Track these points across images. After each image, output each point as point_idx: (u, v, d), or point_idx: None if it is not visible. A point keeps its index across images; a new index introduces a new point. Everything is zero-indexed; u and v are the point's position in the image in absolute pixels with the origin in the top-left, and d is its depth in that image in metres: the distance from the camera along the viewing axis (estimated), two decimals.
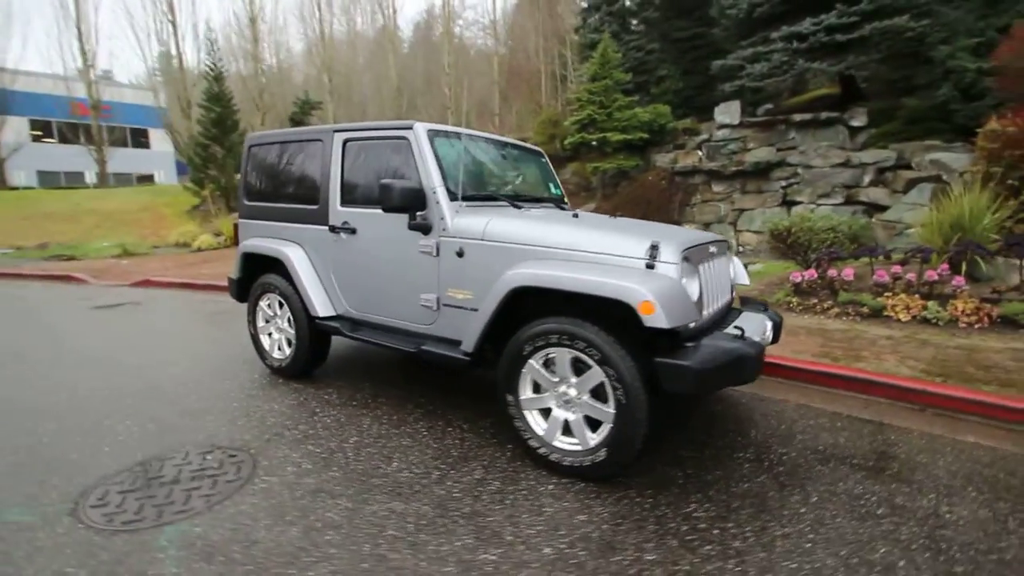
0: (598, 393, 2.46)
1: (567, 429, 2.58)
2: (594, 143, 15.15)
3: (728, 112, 14.88)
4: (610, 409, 2.39)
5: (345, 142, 3.50)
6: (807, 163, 12.36)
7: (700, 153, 14.73)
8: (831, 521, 2.22)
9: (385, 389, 3.76)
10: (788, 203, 12.34)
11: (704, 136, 15.66)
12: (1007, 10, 11.38)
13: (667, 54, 20.37)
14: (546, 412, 2.65)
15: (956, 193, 6.09)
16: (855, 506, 2.33)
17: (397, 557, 1.99)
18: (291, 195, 3.88)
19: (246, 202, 4.19)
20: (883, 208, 10.55)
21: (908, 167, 10.82)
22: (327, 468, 2.65)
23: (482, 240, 2.87)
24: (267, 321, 4.10)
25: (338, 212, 3.51)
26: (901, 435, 3.03)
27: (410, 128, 3.18)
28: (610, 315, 2.41)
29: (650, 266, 2.44)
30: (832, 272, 5.57)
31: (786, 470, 2.65)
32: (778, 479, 2.56)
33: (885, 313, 4.94)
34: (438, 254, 3.03)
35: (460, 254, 2.95)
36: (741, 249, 12.24)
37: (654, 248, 2.47)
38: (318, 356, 3.90)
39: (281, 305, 3.92)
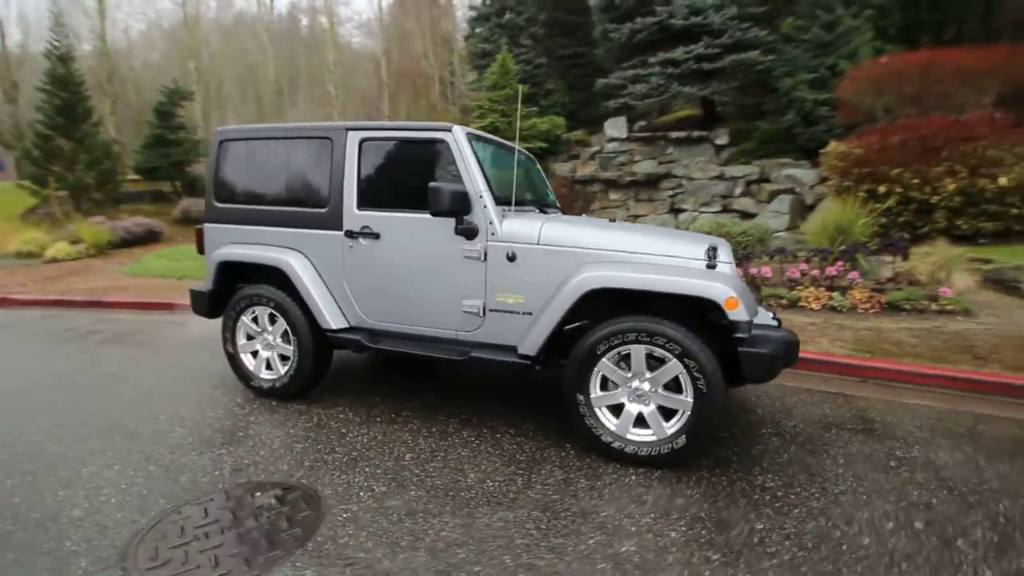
0: (671, 385, 2.66)
1: (639, 421, 2.73)
2: None
3: (616, 127, 16.15)
4: (688, 398, 2.60)
5: (362, 141, 3.29)
6: (689, 175, 13.93)
7: (595, 163, 15.79)
8: (866, 476, 2.66)
9: (400, 400, 3.58)
10: (676, 210, 13.80)
11: (596, 148, 16.87)
12: (833, 52, 13.90)
13: (554, 69, 21.47)
14: (616, 408, 2.78)
15: (831, 204, 7.40)
16: (874, 462, 2.81)
17: (544, 563, 1.98)
18: (285, 197, 3.52)
19: (217, 204, 3.70)
20: (752, 215, 12.24)
21: (768, 180, 12.72)
22: (404, 488, 2.49)
23: (537, 244, 2.92)
24: (250, 338, 3.66)
25: (355, 216, 3.28)
26: (864, 403, 3.67)
27: (448, 131, 3.10)
28: (675, 312, 2.63)
29: (711, 267, 2.70)
30: (753, 270, 6.43)
31: (805, 439, 3.08)
32: (805, 447, 2.97)
33: (800, 304, 5.85)
34: (485, 259, 3.00)
35: (512, 258, 2.95)
36: None
37: (713, 250, 2.74)
38: (321, 373, 3.58)
39: (273, 319, 3.53)
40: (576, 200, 15.10)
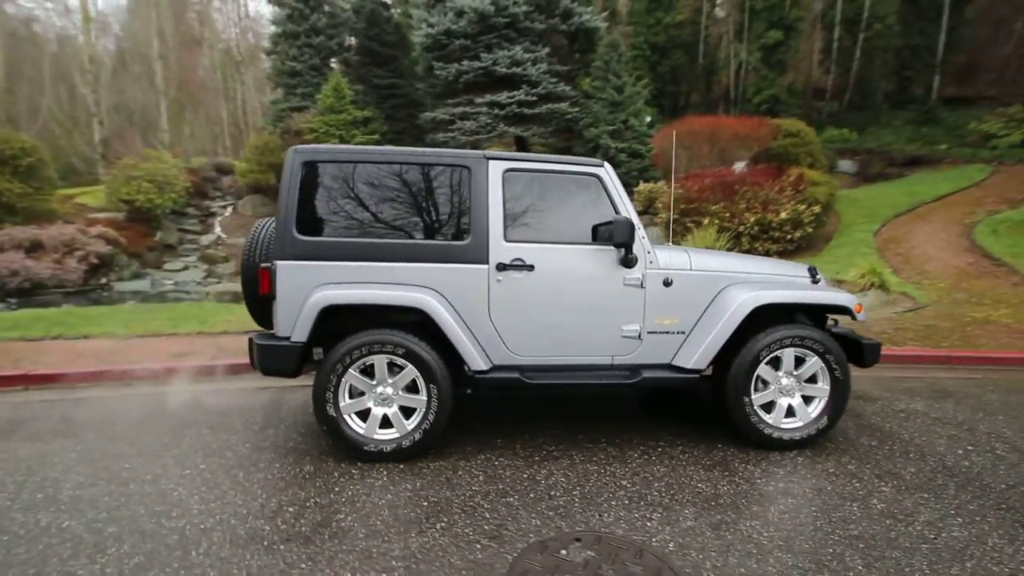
0: (811, 378, 3.32)
1: (789, 412, 3.31)
2: None
3: None
4: (825, 386, 3.29)
5: (506, 171, 3.17)
6: None
7: None
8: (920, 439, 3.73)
9: (514, 436, 3.42)
10: None
11: None
12: (623, 110, 17.08)
13: (370, 97, 21.11)
14: (767, 405, 3.30)
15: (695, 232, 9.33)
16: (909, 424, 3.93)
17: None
18: (407, 229, 3.11)
19: (300, 237, 3.02)
20: None
21: None
22: (679, 509, 2.57)
23: (691, 271, 3.30)
24: (356, 395, 3.07)
25: (504, 248, 3.12)
26: None
27: (601, 166, 3.26)
28: (791, 317, 3.34)
29: (815, 281, 3.49)
30: None
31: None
32: (857, 424, 3.95)
33: None
34: (643, 286, 3.24)
35: (668, 284, 3.26)
36: None
37: (813, 269, 3.54)
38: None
39: (395, 369, 3.05)
40: None
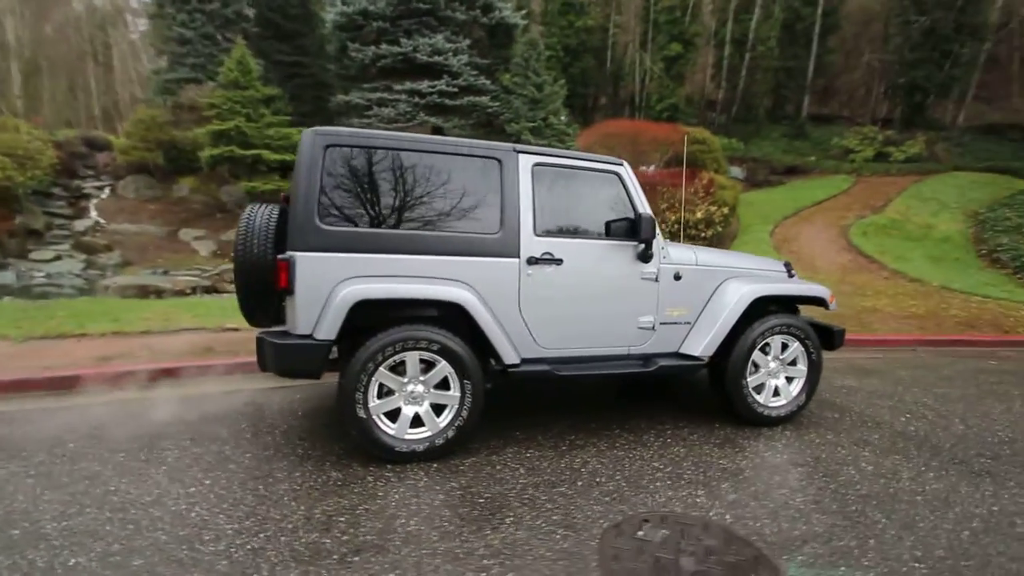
0: (791, 361, 3.73)
1: (775, 392, 3.70)
2: (249, 160, 13.35)
3: None
4: (804, 368, 3.72)
5: (535, 166, 3.17)
6: None
7: None
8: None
9: (530, 428, 3.47)
10: None
11: None
12: (543, 108, 17.51)
13: (272, 74, 19.53)
14: (758, 387, 3.66)
15: None
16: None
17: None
18: (437, 220, 2.99)
19: (323, 227, 2.78)
20: None
21: None
22: (718, 487, 2.78)
23: (697, 266, 3.55)
24: (385, 395, 2.91)
25: (535, 242, 3.13)
26: None
27: (621, 165, 3.38)
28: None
29: (791, 275, 3.93)
30: None
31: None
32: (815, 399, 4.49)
33: None
34: (657, 280, 3.43)
35: (678, 278, 3.49)
36: None
37: (788, 265, 3.97)
38: None
39: (427, 366, 2.94)
40: None
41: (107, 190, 14.47)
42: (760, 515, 2.51)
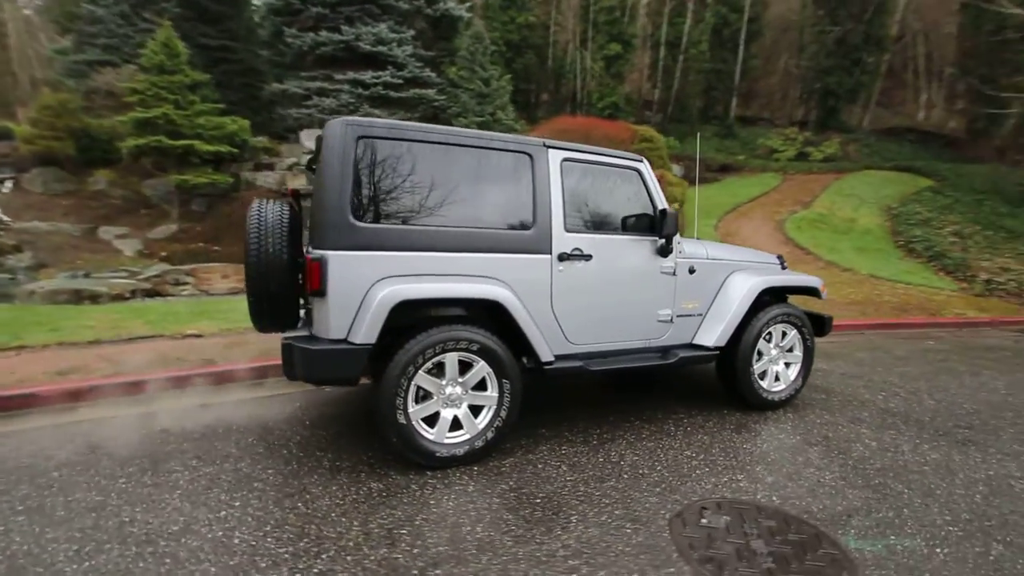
0: (789, 347, 3.96)
1: (776, 377, 3.92)
2: (179, 151, 12.30)
3: (314, 139, 15.42)
4: (800, 353, 3.96)
5: (563, 161, 3.14)
6: None
7: (305, 176, 14.64)
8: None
9: (553, 425, 3.47)
10: None
11: (292, 159, 15.52)
12: (491, 102, 17.44)
13: (197, 59, 18.13)
14: (762, 374, 3.86)
15: None
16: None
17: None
18: (472, 216, 2.90)
19: (357, 223, 2.62)
20: None
21: None
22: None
23: (708, 259, 3.69)
24: (422, 400, 2.80)
25: (565, 238, 3.11)
26: None
27: (641, 161, 3.43)
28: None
29: (784, 267, 4.17)
30: None
31: None
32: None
33: None
34: (675, 274, 3.53)
35: (692, 271, 3.60)
36: None
37: (780, 257, 4.21)
38: None
39: (465, 367, 2.86)
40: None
41: (9, 184, 12.83)
42: (801, 494, 2.66)
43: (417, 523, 2.35)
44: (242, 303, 3.13)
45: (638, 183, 3.43)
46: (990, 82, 17.10)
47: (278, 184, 14.04)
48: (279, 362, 3.88)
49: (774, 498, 2.62)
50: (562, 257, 3.11)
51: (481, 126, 17.28)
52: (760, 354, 3.82)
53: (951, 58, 23.29)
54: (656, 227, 3.36)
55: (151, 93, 12.17)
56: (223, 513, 2.42)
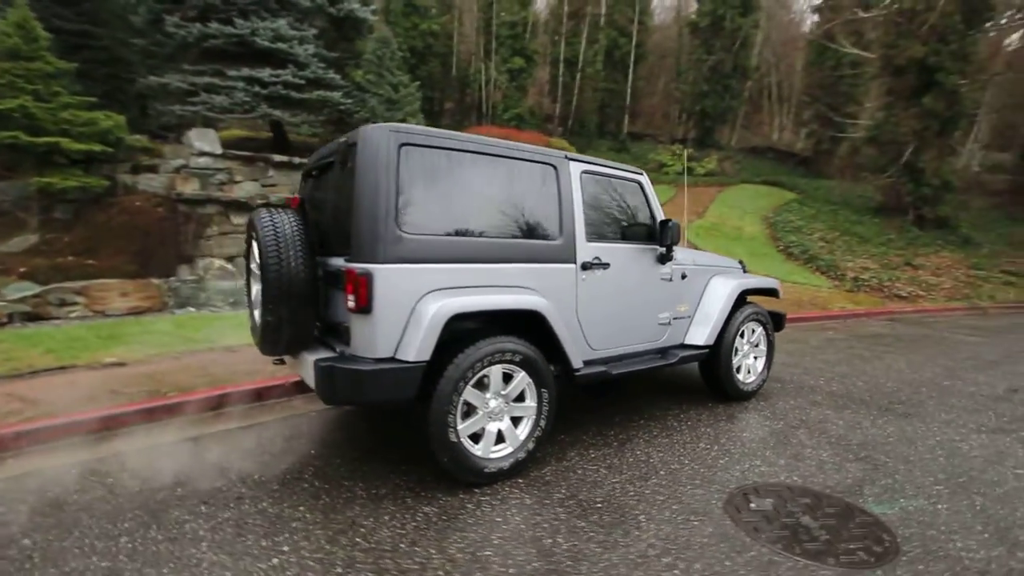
0: (757, 344, 4.40)
1: (748, 371, 4.33)
2: (41, 149, 10.46)
3: (207, 140, 14.14)
4: (764, 348, 4.42)
5: (582, 172, 3.23)
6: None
7: (197, 181, 13.19)
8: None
9: (568, 429, 3.55)
10: None
11: (179, 161, 13.86)
12: (400, 109, 17.09)
13: (52, 45, 15.62)
14: (738, 368, 4.24)
15: None
16: None
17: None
18: (507, 228, 2.87)
19: (404, 235, 2.48)
20: None
21: None
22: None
23: (695, 265, 4.00)
24: (468, 416, 2.70)
25: (587, 248, 3.19)
26: None
27: (641, 174, 3.63)
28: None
29: (745, 271, 4.63)
30: None
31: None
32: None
33: None
34: (672, 280, 3.78)
35: (684, 277, 3.88)
36: None
37: (742, 262, 4.67)
38: None
39: (508, 379, 2.81)
40: (186, 224, 12.24)
41: None
42: (814, 472, 2.99)
43: (496, 542, 2.28)
44: (155, 324, 2.82)
45: (640, 194, 3.63)
46: (833, 109, 20.26)
47: (166, 188, 12.48)
48: (236, 389, 3.64)
49: (795, 478, 2.92)
50: (585, 266, 3.19)
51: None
52: (737, 350, 4.21)
53: (799, 88, 27.21)
54: (658, 236, 3.58)
55: (4, 82, 10.27)
56: (275, 561, 2.16)
